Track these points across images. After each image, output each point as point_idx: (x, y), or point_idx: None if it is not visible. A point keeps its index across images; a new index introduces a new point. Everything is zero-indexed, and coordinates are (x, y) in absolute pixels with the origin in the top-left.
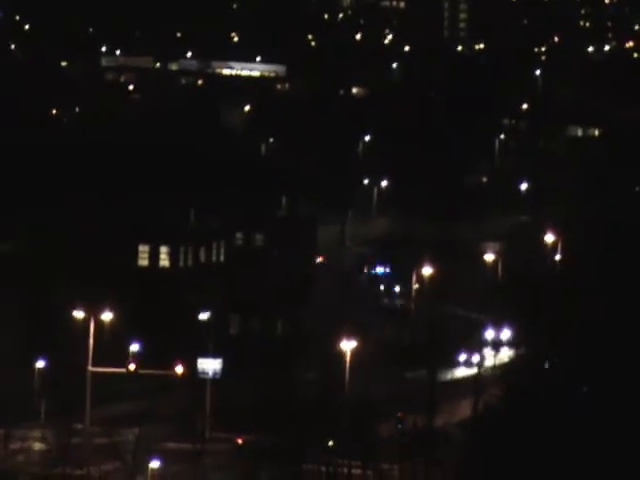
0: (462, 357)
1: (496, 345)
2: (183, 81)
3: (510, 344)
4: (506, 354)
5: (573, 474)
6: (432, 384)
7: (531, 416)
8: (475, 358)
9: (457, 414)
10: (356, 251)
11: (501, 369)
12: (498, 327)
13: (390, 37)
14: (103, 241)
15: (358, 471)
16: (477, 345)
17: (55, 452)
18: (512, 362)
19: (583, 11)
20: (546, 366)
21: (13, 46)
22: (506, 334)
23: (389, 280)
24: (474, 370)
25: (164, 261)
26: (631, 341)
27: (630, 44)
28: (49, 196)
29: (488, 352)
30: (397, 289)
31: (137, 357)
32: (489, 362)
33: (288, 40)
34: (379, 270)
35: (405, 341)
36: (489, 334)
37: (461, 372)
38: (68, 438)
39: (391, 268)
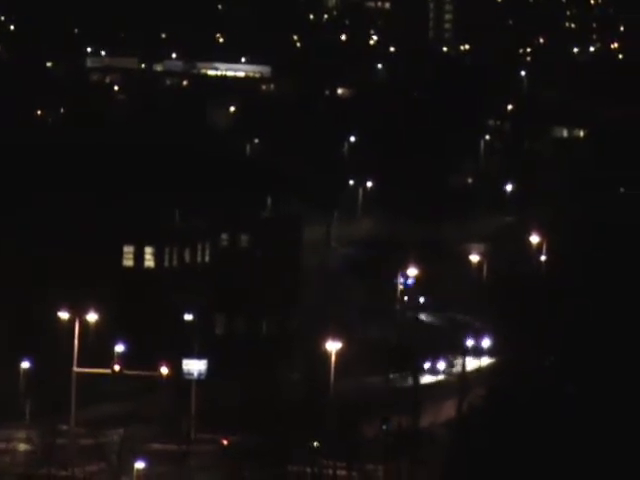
0: (427, 364)
1: (477, 352)
2: (168, 82)
3: (491, 352)
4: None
5: (557, 472)
6: (417, 385)
7: (514, 416)
8: (440, 365)
9: (442, 415)
10: (341, 252)
11: (485, 371)
12: (481, 333)
13: (375, 38)
14: (88, 242)
15: (343, 472)
16: (460, 349)
17: (40, 453)
18: (496, 363)
19: (568, 12)
20: (530, 367)
21: None
22: (487, 342)
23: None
24: (450, 375)
25: (149, 262)
26: (617, 340)
27: (615, 45)
28: (36, 197)
29: (470, 359)
30: (421, 299)
31: (122, 358)
32: (474, 364)
33: (273, 41)
34: (410, 280)
35: (393, 342)
36: (470, 342)
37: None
38: (53, 439)
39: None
